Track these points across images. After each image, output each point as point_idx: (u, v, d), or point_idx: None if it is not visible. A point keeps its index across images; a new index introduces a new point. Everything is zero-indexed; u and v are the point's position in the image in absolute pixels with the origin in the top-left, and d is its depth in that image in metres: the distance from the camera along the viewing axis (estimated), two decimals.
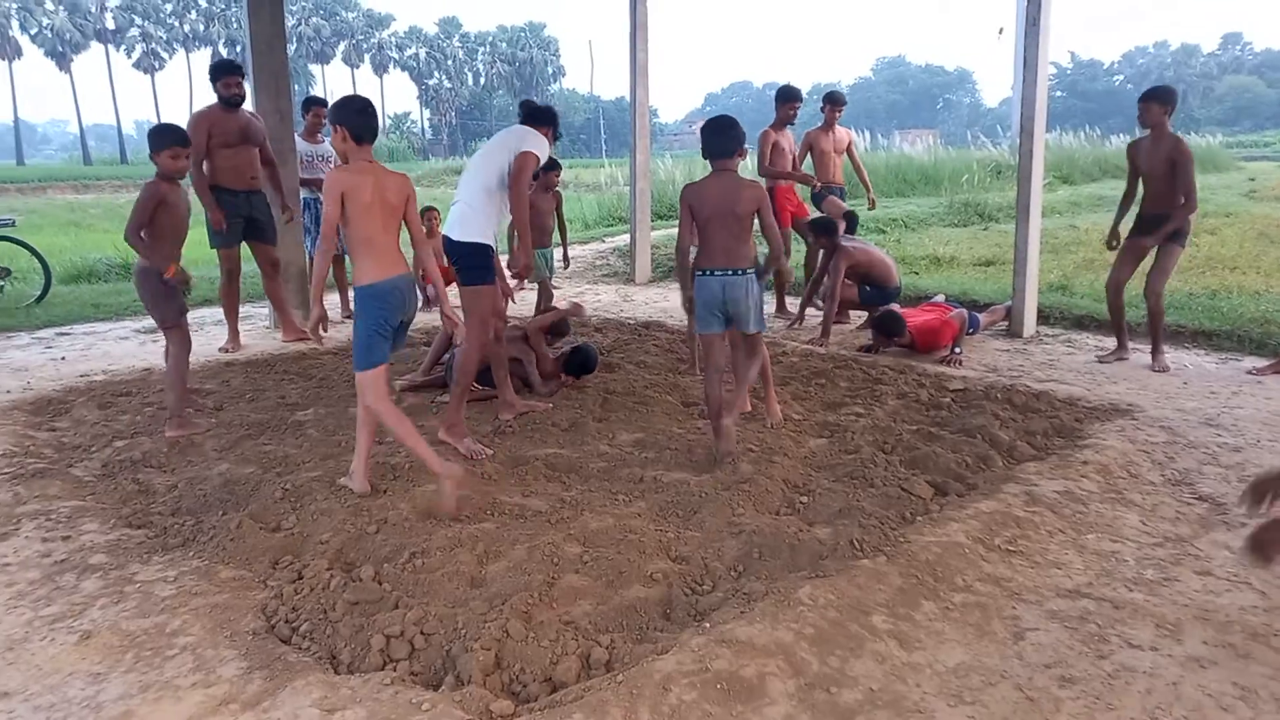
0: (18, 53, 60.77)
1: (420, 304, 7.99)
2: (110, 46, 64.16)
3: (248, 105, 6.27)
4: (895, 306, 6.26)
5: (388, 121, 73.20)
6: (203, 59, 64.66)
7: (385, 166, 3.52)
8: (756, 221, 3.94)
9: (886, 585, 2.75)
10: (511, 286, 5.23)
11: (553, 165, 6.19)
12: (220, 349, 6.27)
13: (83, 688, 2.29)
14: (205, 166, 5.88)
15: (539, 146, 4.28)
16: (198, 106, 6.39)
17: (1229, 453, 4.07)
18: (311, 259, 6.09)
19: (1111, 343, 6.22)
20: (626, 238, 10.73)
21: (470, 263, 4.24)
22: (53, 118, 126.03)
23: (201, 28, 66.97)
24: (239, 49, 58.50)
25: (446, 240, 4.28)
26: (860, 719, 2.18)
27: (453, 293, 4.34)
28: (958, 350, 5.77)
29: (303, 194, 7.12)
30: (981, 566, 2.95)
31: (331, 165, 6.76)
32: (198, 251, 6.92)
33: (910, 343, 5.94)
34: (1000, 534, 3.16)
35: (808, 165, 7.72)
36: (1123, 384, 5.23)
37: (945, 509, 3.37)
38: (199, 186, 5.82)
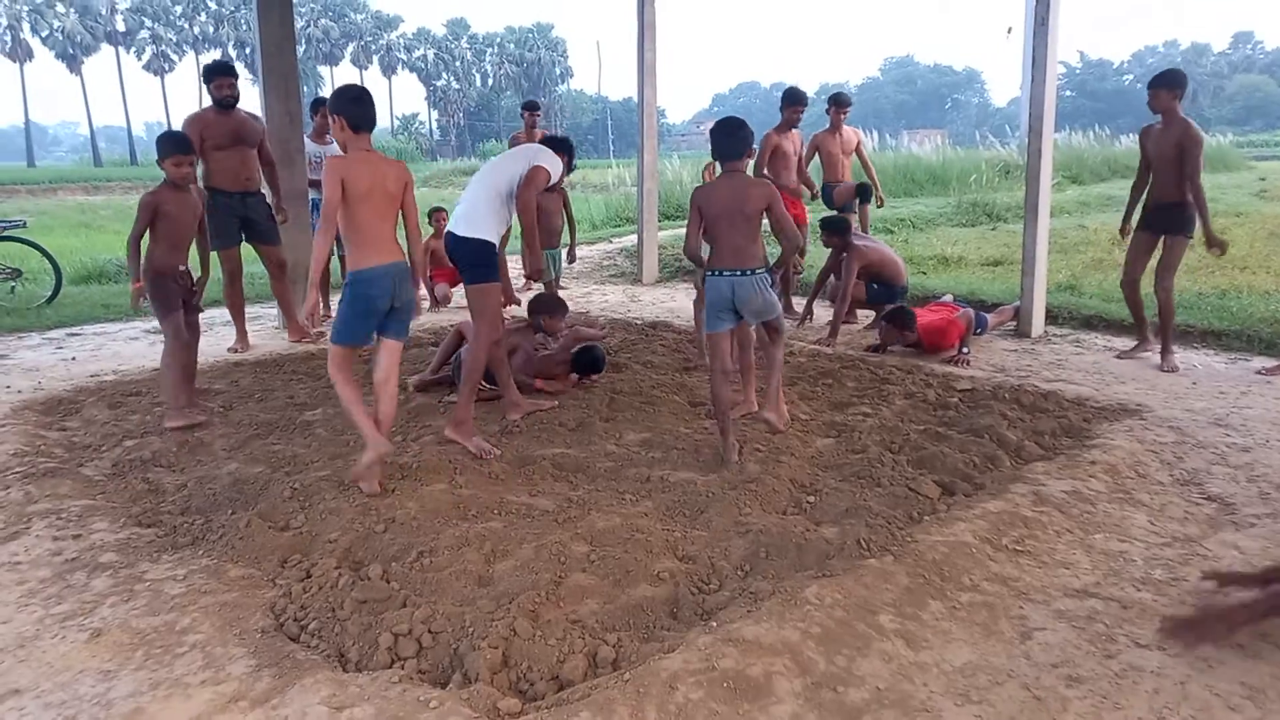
0: (29, 55, 61.23)
1: (429, 305, 8.08)
2: (120, 49, 64.54)
3: (257, 108, 6.29)
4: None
5: (396, 123, 73.40)
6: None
7: (384, 155, 3.59)
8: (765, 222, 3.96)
9: (893, 585, 2.74)
10: (516, 288, 5.22)
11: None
12: (229, 349, 6.30)
13: (93, 685, 2.31)
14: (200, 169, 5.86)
15: (553, 165, 4.35)
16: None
17: (1238, 453, 4.05)
18: None
19: (1120, 342, 6.21)
20: (634, 238, 10.74)
21: (475, 260, 4.25)
22: (63, 120, 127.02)
23: (211, 30, 67.33)
24: (248, 51, 58.75)
25: (451, 236, 4.29)
26: (867, 718, 2.18)
27: (456, 292, 4.34)
28: (965, 350, 5.76)
29: (311, 195, 7.14)
30: (989, 566, 2.94)
31: None
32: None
33: (917, 341, 5.94)
34: (1008, 534, 3.15)
35: (815, 167, 7.73)
36: (1131, 384, 5.21)
37: (952, 509, 3.37)
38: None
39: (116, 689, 2.29)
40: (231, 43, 65.93)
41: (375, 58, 76.10)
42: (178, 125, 6.37)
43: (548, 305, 5.32)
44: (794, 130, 7.17)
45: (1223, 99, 74.28)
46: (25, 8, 59.82)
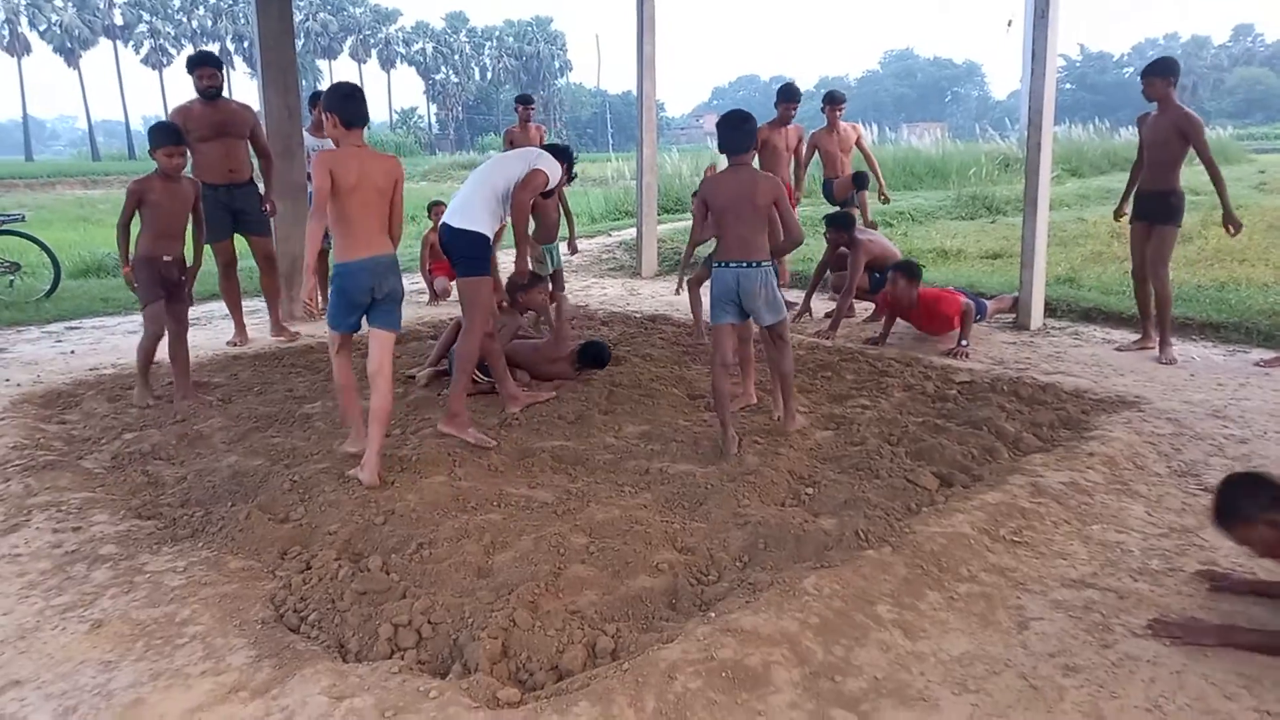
0: (27, 49, 61.04)
1: (428, 299, 8.07)
2: (119, 42, 64.29)
3: (255, 102, 6.27)
4: None
5: (394, 116, 73.27)
6: None
7: (375, 150, 3.66)
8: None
9: (891, 575, 2.75)
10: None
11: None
12: (228, 343, 6.30)
13: (94, 676, 2.32)
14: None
15: (551, 170, 4.37)
16: None
17: (1235, 444, 4.06)
18: None
19: (1119, 334, 6.22)
20: (633, 231, 10.73)
21: (468, 253, 4.25)
22: (61, 114, 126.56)
23: (209, 23, 67.05)
24: (247, 44, 58.64)
25: (445, 228, 4.29)
26: (865, 707, 2.19)
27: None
28: (964, 343, 5.77)
29: (309, 188, 7.12)
30: (986, 557, 2.95)
31: None
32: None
33: (913, 305, 5.95)
34: (1005, 525, 3.16)
35: (815, 165, 7.78)
36: (1129, 376, 5.22)
37: (951, 500, 3.38)
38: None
39: (117, 680, 2.30)
40: (230, 36, 65.65)
41: (374, 51, 75.90)
42: None
43: (519, 283, 5.19)
44: (788, 126, 7.19)
45: (1223, 92, 74.13)
46: (23, 1, 59.64)
